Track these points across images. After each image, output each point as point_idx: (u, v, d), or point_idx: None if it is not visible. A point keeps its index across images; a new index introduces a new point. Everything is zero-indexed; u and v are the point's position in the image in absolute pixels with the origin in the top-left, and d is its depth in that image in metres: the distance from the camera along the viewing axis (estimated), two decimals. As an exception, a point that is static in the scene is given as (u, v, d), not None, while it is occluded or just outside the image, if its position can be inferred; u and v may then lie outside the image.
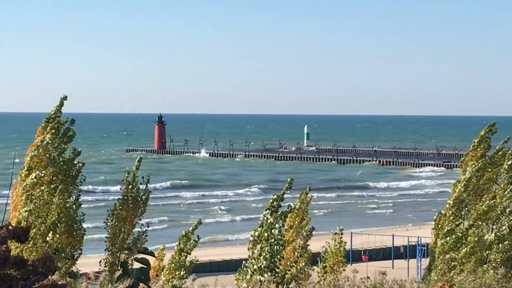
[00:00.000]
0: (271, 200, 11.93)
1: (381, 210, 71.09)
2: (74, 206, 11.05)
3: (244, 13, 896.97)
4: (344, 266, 12.21)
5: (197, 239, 12.34)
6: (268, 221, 11.82)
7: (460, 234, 12.76)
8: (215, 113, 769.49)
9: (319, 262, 12.75)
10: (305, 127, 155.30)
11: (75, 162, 11.09)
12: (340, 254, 12.53)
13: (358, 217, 65.62)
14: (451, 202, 13.10)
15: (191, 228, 12.44)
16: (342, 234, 12.75)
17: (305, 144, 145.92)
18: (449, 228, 12.80)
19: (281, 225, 11.70)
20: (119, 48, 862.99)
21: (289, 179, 12.09)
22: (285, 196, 11.54)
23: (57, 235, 10.80)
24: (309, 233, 12.99)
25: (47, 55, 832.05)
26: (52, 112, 11.10)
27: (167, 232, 52.71)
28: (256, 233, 11.92)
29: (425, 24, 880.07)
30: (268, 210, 11.82)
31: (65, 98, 11.11)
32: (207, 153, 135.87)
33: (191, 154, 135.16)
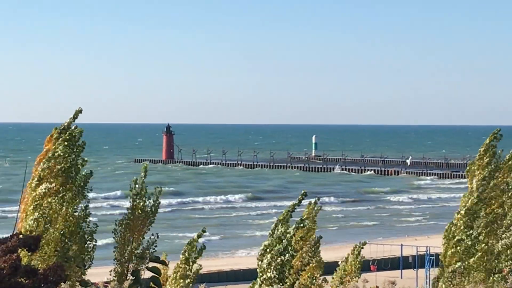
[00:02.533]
0: (283, 212, 11.94)
1: (392, 220, 71.01)
2: (82, 215, 11.08)
3: (251, 24, 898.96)
4: (356, 277, 12.22)
5: (202, 248, 12.38)
6: (279, 232, 11.82)
7: (470, 243, 12.72)
8: (223, 123, 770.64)
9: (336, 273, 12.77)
10: (313, 137, 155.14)
11: (83, 172, 11.13)
12: (356, 266, 12.57)
13: (370, 227, 65.62)
14: (463, 212, 13.09)
15: (195, 236, 12.46)
16: (362, 247, 12.82)
17: (313, 154, 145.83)
18: (459, 238, 12.78)
19: (292, 235, 11.70)
20: (126, 58, 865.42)
21: (302, 192, 12.11)
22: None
23: (67, 244, 10.83)
24: (317, 242, 13.00)
25: (53, 65, 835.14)
26: (65, 123, 11.14)
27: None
28: (266, 242, 11.93)
29: (431, 31, 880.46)
30: (280, 220, 11.83)
31: (80, 111, 11.16)
32: (214, 163, 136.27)
33: (204, 165, 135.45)
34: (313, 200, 13.13)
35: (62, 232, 10.82)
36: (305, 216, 12.85)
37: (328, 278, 12.98)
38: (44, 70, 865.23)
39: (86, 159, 11.26)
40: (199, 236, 12.61)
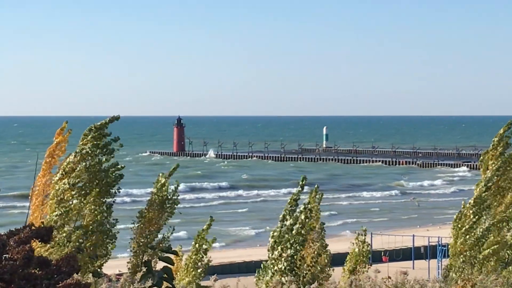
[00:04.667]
0: (288, 201, 11.97)
1: (403, 211, 70.85)
2: (105, 214, 11.15)
3: (261, 15, 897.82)
4: (367, 267, 12.23)
5: (212, 239, 12.44)
6: (288, 222, 11.83)
7: (480, 234, 12.70)
8: (234, 115, 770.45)
9: (345, 263, 12.78)
10: (324, 128, 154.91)
11: (113, 173, 11.20)
12: (363, 255, 12.56)
13: (380, 217, 65.49)
14: (472, 201, 13.05)
15: (205, 227, 12.52)
16: (365, 235, 12.79)
17: (324, 145, 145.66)
18: (468, 227, 12.75)
19: (300, 225, 11.72)
20: (137, 52, 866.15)
21: (301, 177, 12.16)
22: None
23: (88, 239, 10.92)
24: (321, 229, 13.01)
25: (68, 60, 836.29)
26: (98, 124, 11.23)
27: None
28: (276, 234, 11.94)
29: (434, 25, 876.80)
30: (287, 211, 11.84)
31: (117, 118, 11.23)
32: (214, 154, 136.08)
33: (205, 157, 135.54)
34: (314, 188, 13.13)
35: (85, 230, 10.91)
36: (311, 205, 12.87)
37: (339, 268, 13.00)
38: (55, 64, 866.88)
39: (119, 164, 11.33)
40: (208, 227, 12.64)
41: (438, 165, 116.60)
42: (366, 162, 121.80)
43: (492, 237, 12.92)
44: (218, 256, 38.37)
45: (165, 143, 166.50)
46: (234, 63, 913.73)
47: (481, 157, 14.45)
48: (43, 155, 12.62)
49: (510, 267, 12.94)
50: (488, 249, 12.64)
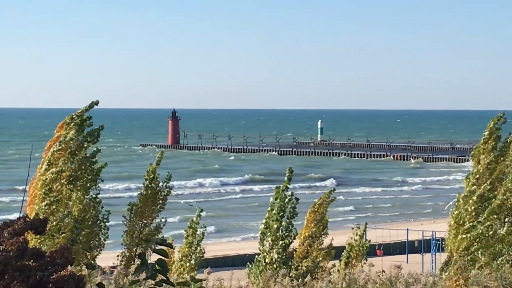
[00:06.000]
0: (275, 192, 12.00)
1: (397, 204, 70.86)
2: (92, 203, 11.16)
3: (256, 10, 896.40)
4: (363, 260, 12.27)
5: (204, 231, 12.45)
6: (276, 213, 11.86)
7: (481, 231, 12.79)
8: (227, 108, 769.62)
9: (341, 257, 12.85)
10: (319, 122, 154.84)
11: (96, 161, 11.23)
12: (361, 249, 12.64)
13: (374, 212, 65.53)
14: (475, 198, 13.09)
15: (195, 218, 12.51)
16: (366, 229, 12.87)
17: (318, 139, 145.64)
18: (471, 224, 12.81)
19: (290, 216, 11.76)
20: (133, 44, 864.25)
21: (288, 169, 12.20)
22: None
23: (76, 229, 10.90)
24: (325, 228, 13.04)
25: (64, 52, 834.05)
26: (79, 111, 11.25)
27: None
28: (265, 226, 11.97)
29: (435, 20, 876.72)
30: (274, 202, 11.88)
31: (96, 103, 11.25)
32: (219, 148, 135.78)
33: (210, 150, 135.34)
34: (330, 189, 13.24)
35: (74, 219, 10.91)
36: (319, 202, 12.89)
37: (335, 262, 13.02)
38: (56, 57, 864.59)
39: (100, 149, 11.35)
40: (198, 218, 12.64)
41: (437, 160, 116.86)
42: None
43: (486, 232, 12.95)
44: (211, 249, 38.35)
45: (159, 136, 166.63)
46: (230, 56, 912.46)
47: (472, 152, 14.45)
48: (37, 146, 12.59)
49: (499, 259, 12.96)
50: (479, 244, 12.68)
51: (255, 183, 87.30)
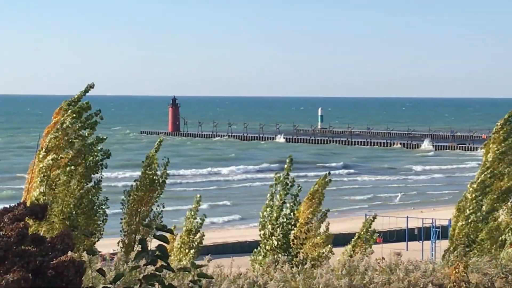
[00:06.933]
0: (274, 179, 11.99)
1: (396, 192, 70.82)
2: (93, 190, 11.10)
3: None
4: (367, 249, 12.28)
5: (203, 218, 12.46)
6: (277, 201, 11.86)
7: (482, 218, 12.81)
8: (227, 96, 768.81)
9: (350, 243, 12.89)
10: (319, 110, 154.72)
11: (99, 149, 11.16)
12: (365, 237, 12.68)
13: (373, 199, 65.56)
14: (475, 185, 13.10)
15: (193, 206, 12.50)
16: (374, 219, 12.93)
17: (318, 127, 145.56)
18: (471, 211, 12.83)
19: (292, 204, 11.76)
20: (134, 31, 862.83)
21: (288, 157, 12.20)
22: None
23: (74, 215, 10.88)
24: (324, 215, 13.05)
25: (67, 40, 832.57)
26: (75, 97, 11.15)
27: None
28: (265, 213, 11.97)
29: (439, 8, 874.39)
30: (273, 188, 11.88)
31: (92, 86, 11.16)
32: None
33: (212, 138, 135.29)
34: (325, 174, 13.23)
35: (71, 206, 10.87)
36: (315, 189, 12.88)
37: (336, 249, 13.02)
38: (59, 45, 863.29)
39: (105, 137, 11.30)
40: (196, 206, 12.62)
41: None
42: (360, 145, 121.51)
43: (490, 220, 13.00)
44: (212, 236, 38.39)
45: (159, 123, 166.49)
46: (233, 45, 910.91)
47: (485, 141, 14.40)
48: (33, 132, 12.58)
49: (508, 250, 12.97)
50: (483, 232, 12.72)
51: (273, 171, 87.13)
